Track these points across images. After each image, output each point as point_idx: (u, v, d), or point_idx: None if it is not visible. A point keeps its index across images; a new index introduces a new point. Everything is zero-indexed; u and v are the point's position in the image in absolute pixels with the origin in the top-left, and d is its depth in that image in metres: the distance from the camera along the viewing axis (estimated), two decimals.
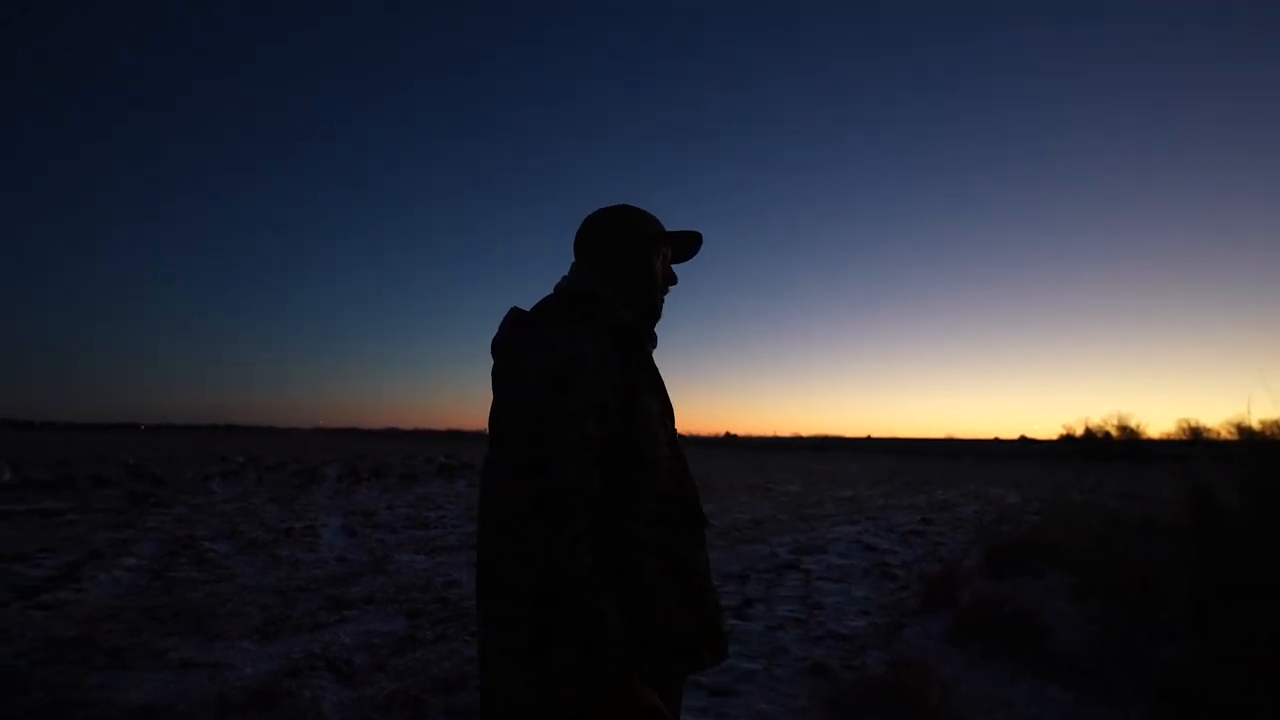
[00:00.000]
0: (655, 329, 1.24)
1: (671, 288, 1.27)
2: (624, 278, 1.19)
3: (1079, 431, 48.09)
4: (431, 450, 34.22)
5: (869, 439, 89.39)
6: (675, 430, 1.17)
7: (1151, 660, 3.23)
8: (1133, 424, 45.80)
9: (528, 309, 1.16)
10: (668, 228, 1.29)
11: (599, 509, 0.99)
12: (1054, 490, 16.72)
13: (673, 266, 1.28)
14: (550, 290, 1.22)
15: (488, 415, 1.10)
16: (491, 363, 1.15)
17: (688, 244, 1.28)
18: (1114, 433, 46.10)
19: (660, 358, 1.24)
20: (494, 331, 1.18)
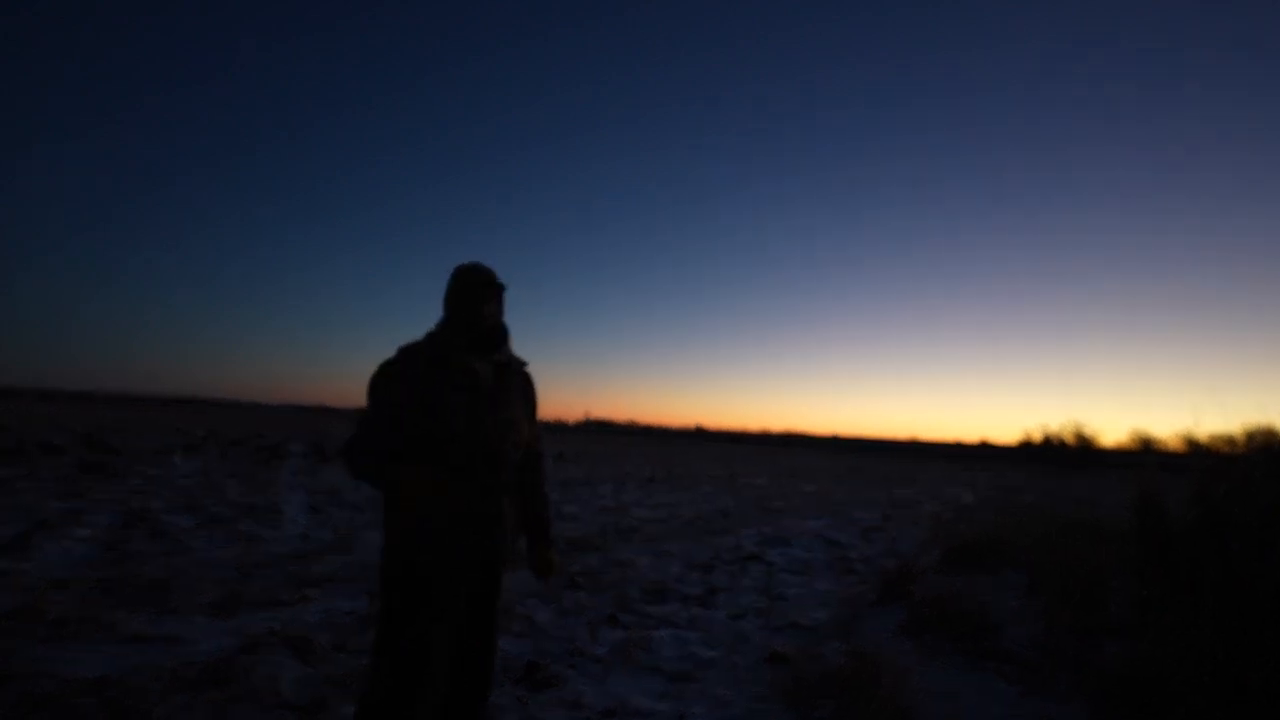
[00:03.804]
0: (500, 344, 1.91)
1: (505, 316, 1.94)
2: (458, 316, 1.85)
3: (1037, 437, 49.51)
4: None
5: (835, 437, 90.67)
6: (492, 413, 1.82)
7: (1094, 658, 3.36)
8: (1088, 432, 47.32)
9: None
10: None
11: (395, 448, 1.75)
12: (1011, 492, 17.21)
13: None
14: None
15: None
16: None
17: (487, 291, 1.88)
18: (1070, 440, 47.55)
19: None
20: None
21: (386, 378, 1.79)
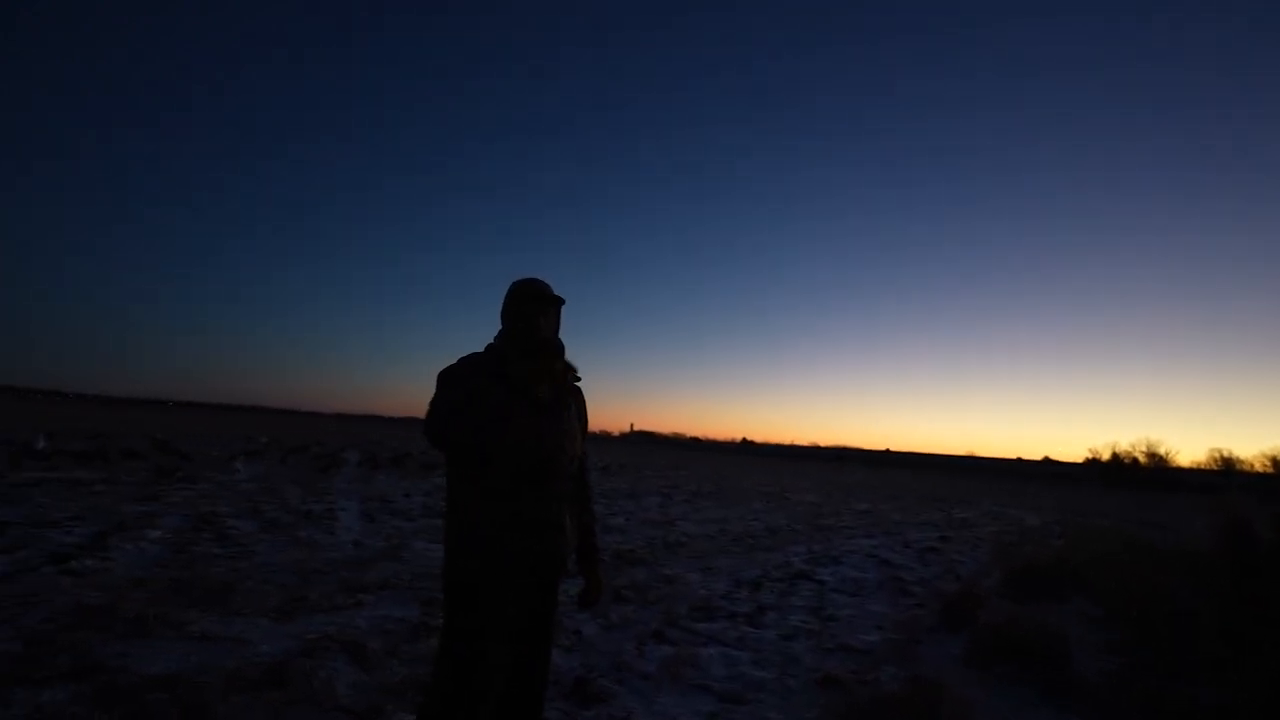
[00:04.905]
0: (560, 353, 1.91)
1: (559, 326, 1.99)
2: (514, 329, 1.91)
3: (1105, 456, 47.00)
4: None
5: (888, 452, 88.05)
6: (549, 424, 1.85)
7: (1172, 690, 3.14)
8: (1162, 451, 44.61)
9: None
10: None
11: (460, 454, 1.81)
12: (1078, 514, 16.36)
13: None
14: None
15: None
16: None
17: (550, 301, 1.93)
18: (1142, 459, 44.97)
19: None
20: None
21: (449, 377, 1.84)
